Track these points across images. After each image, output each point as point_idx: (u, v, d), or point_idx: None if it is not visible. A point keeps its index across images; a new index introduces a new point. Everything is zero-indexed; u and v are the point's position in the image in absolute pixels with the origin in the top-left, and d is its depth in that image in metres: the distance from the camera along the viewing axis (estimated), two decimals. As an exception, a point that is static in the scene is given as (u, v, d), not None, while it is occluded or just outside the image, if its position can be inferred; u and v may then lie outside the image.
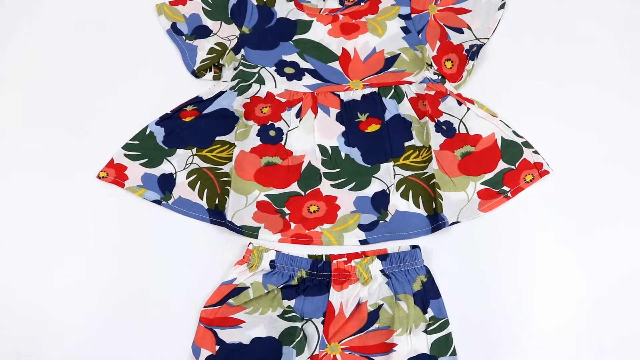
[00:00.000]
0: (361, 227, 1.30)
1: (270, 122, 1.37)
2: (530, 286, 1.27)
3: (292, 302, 1.25)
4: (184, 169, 1.34)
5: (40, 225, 1.32)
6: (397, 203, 1.31)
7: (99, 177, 1.34)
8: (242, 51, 1.41)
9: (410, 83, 1.38)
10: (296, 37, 1.41)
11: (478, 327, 1.25)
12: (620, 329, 1.25)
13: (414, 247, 1.27)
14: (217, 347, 1.24)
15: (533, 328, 1.25)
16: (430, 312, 1.24)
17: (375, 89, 1.38)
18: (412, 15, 1.42)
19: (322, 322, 1.23)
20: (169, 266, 1.29)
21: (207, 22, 1.43)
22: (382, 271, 1.26)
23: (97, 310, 1.27)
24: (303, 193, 1.33)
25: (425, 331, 1.23)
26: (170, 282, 1.28)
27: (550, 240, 1.29)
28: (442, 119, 1.36)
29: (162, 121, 1.36)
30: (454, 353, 1.22)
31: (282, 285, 1.25)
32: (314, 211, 1.32)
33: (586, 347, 1.24)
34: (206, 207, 1.32)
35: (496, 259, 1.28)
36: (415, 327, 1.23)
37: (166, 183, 1.33)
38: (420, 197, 1.31)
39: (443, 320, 1.24)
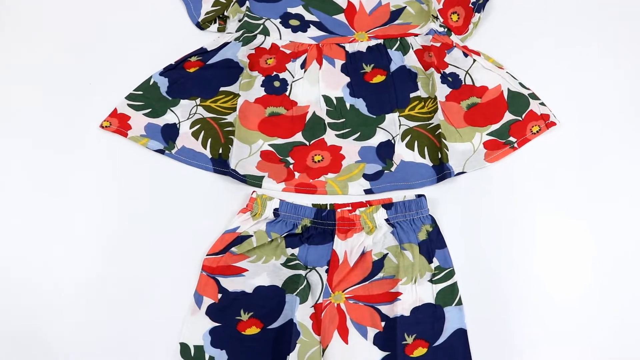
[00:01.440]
0: (366, 176, 1.27)
1: (274, 73, 1.33)
2: (536, 237, 1.24)
3: (295, 251, 1.22)
4: (188, 119, 1.30)
5: (43, 174, 1.28)
6: (403, 153, 1.28)
7: (102, 126, 1.30)
8: (247, 3, 1.36)
9: (416, 35, 1.35)
10: None
11: (484, 277, 1.22)
12: (626, 279, 1.21)
13: (419, 196, 1.23)
14: (219, 296, 1.20)
15: (538, 278, 1.22)
16: (435, 262, 1.21)
17: (381, 41, 1.34)
18: None
19: (326, 271, 1.20)
20: (171, 215, 1.26)
21: None
22: (387, 220, 1.22)
23: (100, 259, 1.24)
24: (307, 143, 1.29)
25: (431, 281, 1.20)
26: (172, 231, 1.25)
27: (556, 191, 1.26)
28: (447, 70, 1.32)
29: (166, 72, 1.32)
30: (459, 303, 1.19)
31: (285, 234, 1.22)
32: (319, 161, 1.28)
33: (589, 294, 1.21)
34: (210, 156, 1.28)
35: (502, 209, 1.25)
36: (420, 276, 1.20)
37: (169, 133, 1.29)
38: (425, 148, 1.28)
39: (449, 269, 1.20)
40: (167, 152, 1.29)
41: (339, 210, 1.23)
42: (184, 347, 1.18)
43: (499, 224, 1.24)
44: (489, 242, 1.24)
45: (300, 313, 1.18)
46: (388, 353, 1.17)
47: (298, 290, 1.19)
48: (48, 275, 1.23)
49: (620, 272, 1.22)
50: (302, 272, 1.20)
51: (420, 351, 1.17)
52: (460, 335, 1.18)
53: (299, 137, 1.29)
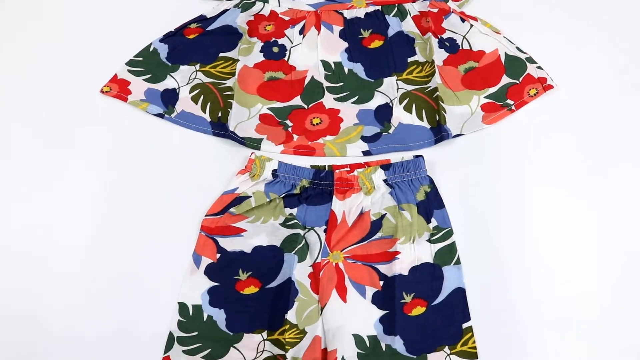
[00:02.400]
0: (364, 138, 1.26)
1: (273, 39, 1.32)
2: (533, 197, 1.22)
3: (294, 211, 1.21)
4: (187, 84, 1.30)
5: (44, 138, 1.28)
6: (401, 116, 1.27)
7: (102, 91, 1.30)
8: (246, -29, 1.38)
9: (414, 1, 1.34)
10: None
11: (482, 237, 1.20)
12: (625, 238, 1.20)
13: (417, 156, 1.22)
14: (218, 256, 1.19)
15: (536, 238, 1.20)
16: (433, 222, 1.20)
17: (379, 7, 1.34)
18: None
19: (325, 231, 1.19)
20: (170, 177, 1.25)
21: None
22: (385, 181, 1.21)
23: (100, 220, 1.23)
24: (306, 106, 1.28)
25: (429, 240, 1.19)
26: (171, 192, 1.24)
27: (553, 153, 1.25)
28: (445, 35, 1.31)
29: (166, 38, 1.32)
30: (457, 262, 1.18)
31: (284, 194, 1.21)
32: (317, 123, 1.27)
33: (586, 251, 1.19)
34: (209, 119, 1.27)
35: (500, 170, 1.24)
36: (418, 236, 1.19)
37: (169, 97, 1.29)
38: (423, 110, 1.27)
39: (447, 229, 1.19)
40: (166, 116, 1.28)
41: (337, 171, 1.22)
42: (182, 307, 1.17)
43: (496, 185, 1.23)
44: (486, 203, 1.22)
45: (299, 272, 1.17)
46: (387, 312, 1.15)
47: (296, 249, 1.18)
48: (49, 233, 1.22)
49: (619, 232, 1.20)
50: (301, 232, 1.19)
51: (419, 310, 1.15)
52: (459, 294, 1.16)
53: (297, 100, 1.29)
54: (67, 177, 1.26)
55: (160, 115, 1.28)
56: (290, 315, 1.15)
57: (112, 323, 1.18)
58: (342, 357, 1.13)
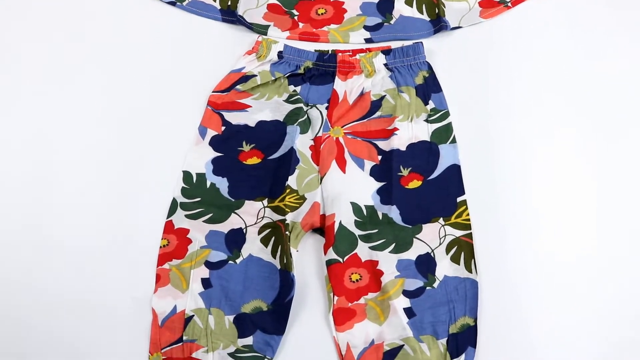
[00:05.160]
0: (367, 27, 1.28)
1: None
2: (529, 87, 1.24)
3: (298, 89, 1.22)
4: (198, -25, 1.34)
5: (52, 22, 1.30)
6: (402, 8, 1.30)
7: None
8: None
9: None
10: None
11: (477, 120, 1.22)
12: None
13: (417, 42, 1.25)
14: (223, 128, 1.20)
15: (529, 120, 1.22)
16: (431, 104, 1.21)
17: None
18: None
19: (326, 108, 1.20)
20: (180, 59, 1.28)
21: None
22: (385, 65, 1.23)
23: (111, 95, 1.25)
24: (311, -2, 1.32)
25: (426, 120, 1.20)
26: (180, 72, 1.26)
27: (549, 51, 1.27)
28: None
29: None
30: (453, 141, 1.19)
31: (288, 74, 1.22)
32: (322, 13, 1.30)
33: (577, 140, 1.21)
34: (219, 7, 1.30)
35: (497, 61, 1.26)
36: (416, 116, 1.20)
37: (181, -14, 1.33)
38: (424, 5, 1.30)
39: (444, 111, 1.21)
40: (178, 3, 1.30)
41: (340, 54, 1.24)
42: (186, 175, 1.18)
43: (493, 75, 1.25)
44: (483, 91, 1.24)
45: (300, 142, 1.18)
46: (384, 183, 1.16)
47: (299, 122, 1.19)
48: (61, 116, 1.24)
49: (615, 137, 1.22)
50: (304, 107, 1.20)
51: (415, 184, 1.16)
52: (454, 170, 1.17)
53: (304, -9, 1.33)
54: (80, 62, 1.28)
55: (172, 3, 1.30)
56: (291, 181, 1.15)
57: (118, 189, 1.19)
58: (340, 222, 1.14)
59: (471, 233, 1.13)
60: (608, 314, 1.11)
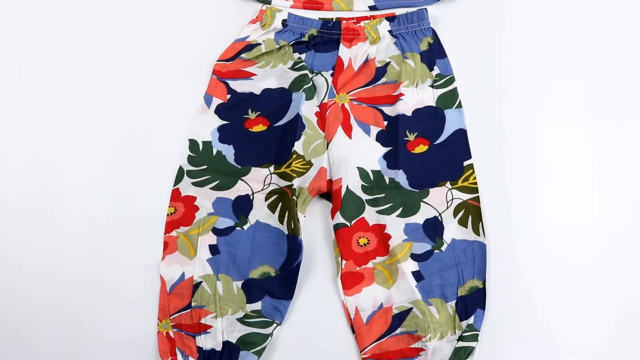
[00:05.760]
0: (371, -6, 1.30)
1: None
2: (533, 52, 1.24)
3: (302, 56, 1.21)
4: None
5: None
6: (405, -23, 1.31)
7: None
8: None
9: None
10: None
11: (482, 85, 1.21)
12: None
13: (421, 9, 1.24)
14: (228, 96, 1.20)
15: (533, 85, 1.21)
16: (436, 70, 1.20)
17: None
18: None
19: (331, 75, 1.20)
20: (185, 29, 1.27)
21: None
22: (390, 32, 1.22)
23: (119, 63, 1.25)
24: (314, -34, 1.31)
25: (432, 86, 1.19)
26: (185, 42, 1.26)
27: (554, 14, 1.26)
28: None
29: None
30: (459, 106, 1.18)
31: (293, 42, 1.22)
32: (325, -18, 1.31)
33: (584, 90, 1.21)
34: (222, -23, 1.32)
35: (501, 27, 1.25)
36: (421, 82, 1.19)
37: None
38: (427, -28, 1.31)
39: (449, 76, 1.20)
40: (182, -27, 1.32)
41: (344, 21, 1.23)
42: (192, 143, 1.17)
43: (497, 41, 1.24)
44: (488, 56, 1.24)
45: (306, 108, 1.18)
46: (390, 148, 1.15)
47: (304, 88, 1.18)
48: (67, 88, 1.24)
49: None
50: (309, 74, 1.20)
51: (422, 148, 1.16)
52: (460, 134, 1.16)
53: (306, -38, 1.32)
54: (86, 30, 1.27)
55: (176, -26, 1.32)
56: (297, 147, 1.15)
57: (125, 158, 1.19)
58: (347, 186, 1.13)
59: (478, 196, 1.13)
60: (615, 275, 1.11)
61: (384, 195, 1.13)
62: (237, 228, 1.12)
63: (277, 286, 1.09)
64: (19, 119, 1.22)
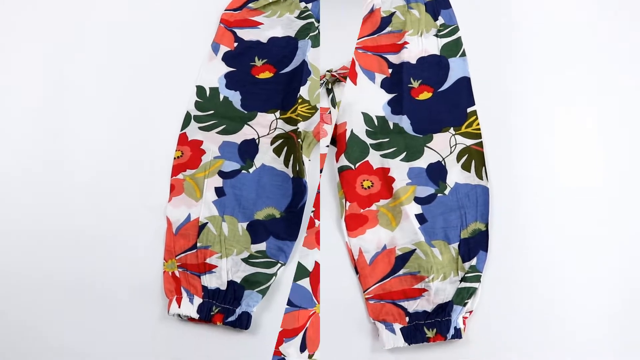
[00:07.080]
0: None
1: None
2: (536, 6, 1.25)
3: (309, 5, 1.23)
4: None
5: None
6: None
7: None
8: None
9: None
10: None
11: (487, 34, 1.22)
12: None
13: (426, -39, 1.26)
14: (235, 44, 1.21)
15: (540, 40, 1.22)
16: (441, 20, 1.22)
17: None
18: None
19: (337, 24, 1.23)
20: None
21: None
22: (395, -17, 1.25)
23: (128, 16, 1.26)
24: None
25: (436, 35, 1.20)
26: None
27: None
28: None
29: None
30: (463, 54, 1.19)
31: (299, -8, 1.25)
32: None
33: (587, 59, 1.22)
34: None
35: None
36: (426, 31, 1.20)
37: None
38: None
39: (453, 26, 1.21)
40: None
41: (350, -27, 1.26)
42: (200, 89, 1.18)
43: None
44: (493, 6, 1.24)
45: (312, 55, 1.18)
46: (395, 95, 1.16)
47: (310, 35, 1.20)
48: (77, 33, 1.26)
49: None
50: (315, 22, 1.21)
51: (426, 95, 1.16)
52: (464, 82, 1.17)
53: None
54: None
55: None
56: (303, 92, 1.16)
57: (134, 103, 1.19)
58: (352, 130, 1.14)
59: (482, 142, 1.13)
60: (614, 221, 1.10)
61: (388, 139, 1.14)
62: (243, 171, 1.13)
63: (282, 227, 1.10)
64: (26, 74, 1.23)
